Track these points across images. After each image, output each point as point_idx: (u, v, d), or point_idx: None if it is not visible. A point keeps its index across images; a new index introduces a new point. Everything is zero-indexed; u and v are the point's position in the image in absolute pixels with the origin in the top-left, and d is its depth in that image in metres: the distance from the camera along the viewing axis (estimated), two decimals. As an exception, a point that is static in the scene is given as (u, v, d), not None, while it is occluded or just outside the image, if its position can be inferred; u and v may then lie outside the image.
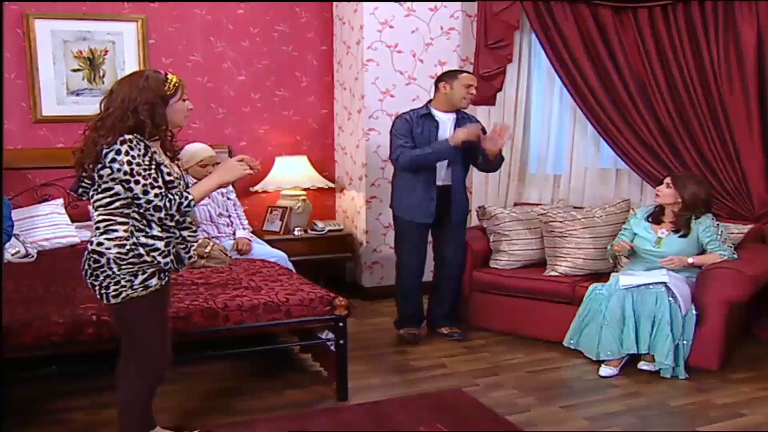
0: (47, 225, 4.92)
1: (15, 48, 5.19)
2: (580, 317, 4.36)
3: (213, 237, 4.84)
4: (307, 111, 6.11)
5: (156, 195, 2.67)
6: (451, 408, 3.69)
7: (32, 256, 4.60)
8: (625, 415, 3.65)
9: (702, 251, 4.32)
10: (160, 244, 2.76)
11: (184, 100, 2.83)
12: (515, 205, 5.50)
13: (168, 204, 2.70)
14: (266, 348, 4.21)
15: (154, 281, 2.79)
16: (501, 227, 4.96)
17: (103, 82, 5.39)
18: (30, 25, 5.15)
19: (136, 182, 2.64)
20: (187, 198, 2.76)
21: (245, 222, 5.16)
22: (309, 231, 5.79)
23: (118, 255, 2.70)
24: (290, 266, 4.78)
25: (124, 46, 5.42)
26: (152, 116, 2.70)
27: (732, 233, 4.50)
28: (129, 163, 2.63)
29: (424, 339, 4.83)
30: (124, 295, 2.74)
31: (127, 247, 2.71)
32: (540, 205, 5.26)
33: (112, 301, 2.76)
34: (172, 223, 2.76)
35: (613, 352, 4.17)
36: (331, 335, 3.80)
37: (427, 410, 3.66)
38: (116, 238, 2.71)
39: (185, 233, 2.87)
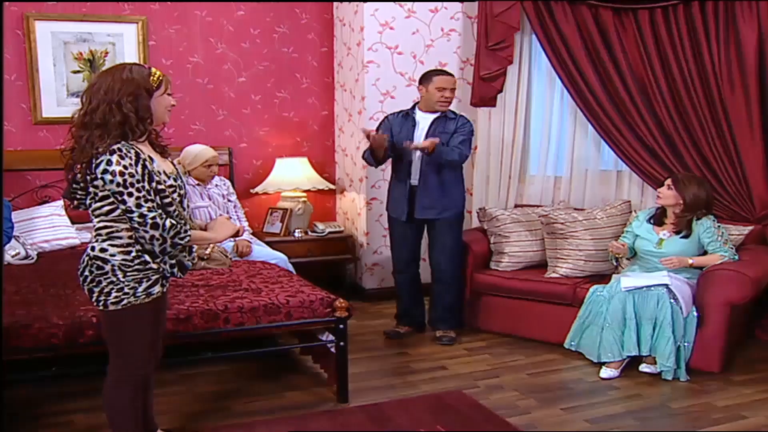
0: (47, 227, 4.91)
1: (15, 49, 5.19)
2: (581, 319, 4.36)
3: (213, 239, 4.82)
4: (307, 112, 6.10)
5: (150, 209, 2.57)
6: (452, 410, 3.68)
7: (32, 258, 4.60)
8: (626, 418, 3.65)
9: (703, 253, 4.31)
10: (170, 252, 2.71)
11: (169, 95, 2.74)
12: (516, 206, 5.49)
13: (166, 224, 2.60)
14: (266, 350, 4.19)
15: (156, 288, 2.74)
16: (501, 229, 4.95)
17: (104, 84, 5.38)
18: (30, 27, 5.15)
19: (130, 194, 2.54)
20: (186, 233, 2.68)
21: (245, 224, 5.15)
22: (309, 233, 5.78)
23: (123, 262, 2.64)
24: (290, 268, 4.77)
25: (124, 47, 5.41)
26: (136, 109, 2.59)
27: (732, 235, 4.49)
28: (121, 173, 2.52)
29: (422, 340, 4.81)
30: (125, 302, 2.67)
31: (133, 253, 2.64)
32: (541, 206, 5.26)
33: (111, 307, 2.67)
34: (158, 249, 2.63)
35: (614, 354, 4.16)
36: (331, 337, 3.79)
37: (428, 412, 3.65)
38: (121, 244, 2.63)
39: None
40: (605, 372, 4.17)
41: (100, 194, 2.60)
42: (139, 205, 2.55)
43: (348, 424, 3.53)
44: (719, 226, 4.32)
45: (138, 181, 2.55)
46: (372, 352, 4.61)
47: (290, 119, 6.04)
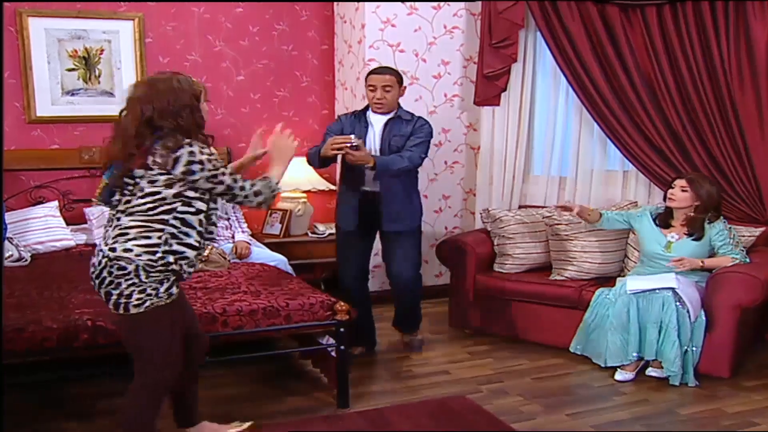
0: (41, 228, 4.84)
1: (8, 47, 5.09)
2: (586, 322, 4.32)
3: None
4: (307, 111, 6.04)
5: (243, 179, 2.80)
6: (455, 415, 3.65)
7: (26, 260, 4.53)
8: (632, 424, 3.61)
9: (712, 255, 4.25)
10: (191, 254, 2.77)
11: (206, 101, 2.90)
12: (520, 207, 5.43)
13: (257, 184, 2.84)
14: (265, 354, 4.15)
15: (174, 289, 2.78)
16: (505, 230, 4.88)
17: (99, 82, 5.31)
18: (23, 24, 5.06)
19: (223, 173, 2.73)
20: (277, 183, 2.93)
21: (244, 225, 5.11)
22: (309, 234, 5.73)
23: (148, 262, 2.66)
24: (290, 270, 4.74)
25: (120, 45, 5.33)
26: (194, 118, 2.76)
27: (743, 236, 4.43)
28: (209, 160, 2.68)
29: (425, 345, 4.73)
30: (148, 303, 2.69)
31: (159, 254, 2.67)
32: (545, 207, 5.19)
33: (133, 310, 2.68)
34: (267, 205, 2.89)
35: (621, 358, 4.12)
36: (331, 341, 3.75)
37: (430, 418, 3.62)
38: (148, 245, 2.66)
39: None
40: (620, 375, 4.13)
41: (147, 190, 2.66)
42: (235, 180, 2.77)
43: (348, 430, 3.48)
44: (731, 228, 4.27)
45: (221, 163, 2.76)
46: (373, 356, 4.55)
47: (290, 118, 5.97)
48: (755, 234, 4.49)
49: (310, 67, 6.00)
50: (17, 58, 5.12)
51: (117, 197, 2.73)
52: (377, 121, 4.32)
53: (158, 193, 2.66)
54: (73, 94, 5.28)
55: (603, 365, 4.20)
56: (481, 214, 5.18)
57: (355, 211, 4.31)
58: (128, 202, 2.69)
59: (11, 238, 4.60)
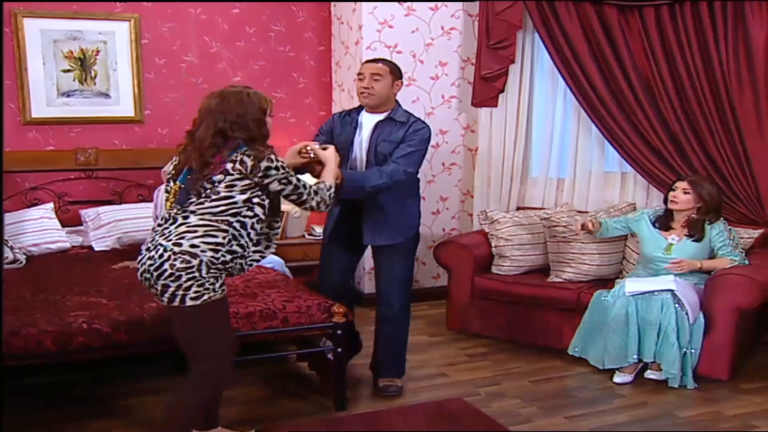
0: (36, 230, 4.82)
1: (3, 47, 5.07)
2: (584, 324, 4.30)
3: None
4: (304, 113, 6.02)
5: (304, 184, 3.04)
6: (452, 418, 3.63)
7: (20, 262, 4.50)
8: (631, 426, 3.59)
9: (712, 256, 4.24)
10: (245, 254, 2.95)
11: (271, 116, 3.04)
12: (518, 209, 5.41)
13: (325, 195, 3.13)
14: (262, 356, 4.12)
15: (224, 286, 2.94)
16: (503, 232, 4.86)
17: (95, 83, 5.29)
18: (18, 24, 5.04)
19: (292, 175, 2.97)
20: (331, 186, 3.19)
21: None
22: (306, 236, 5.71)
23: (211, 259, 2.82)
24: (287, 272, 4.71)
25: (116, 46, 5.31)
26: (261, 130, 2.95)
27: (742, 238, 4.43)
28: (282, 166, 2.92)
29: (419, 347, 4.70)
30: (206, 297, 2.82)
31: (221, 252, 2.84)
32: (543, 209, 5.17)
33: (189, 303, 2.80)
34: (325, 207, 3.14)
35: (620, 361, 4.11)
36: (328, 343, 3.72)
37: (428, 420, 3.61)
38: (214, 243, 2.83)
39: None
40: (619, 377, 4.12)
41: (223, 194, 2.84)
42: (299, 180, 3.02)
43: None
44: (731, 230, 4.27)
45: (288, 168, 2.99)
46: (370, 358, 4.50)
47: (287, 120, 5.95)
48: (754, 236, 4.48)
49: (307, 69, 5.98)
50: (12, 59, 5.10)
51: (192, 199, 2.89)
52: (368, 123, 3.79)
53: (232, 197, 2.85)
54: (68, 96, 5.26)
55: (601, 367, 4.18)
56: (478, 215, 5.17)
57: (334, 221, 3.95)
58: (201, 203, 2.85)
59: (6, 240, 4.57)
